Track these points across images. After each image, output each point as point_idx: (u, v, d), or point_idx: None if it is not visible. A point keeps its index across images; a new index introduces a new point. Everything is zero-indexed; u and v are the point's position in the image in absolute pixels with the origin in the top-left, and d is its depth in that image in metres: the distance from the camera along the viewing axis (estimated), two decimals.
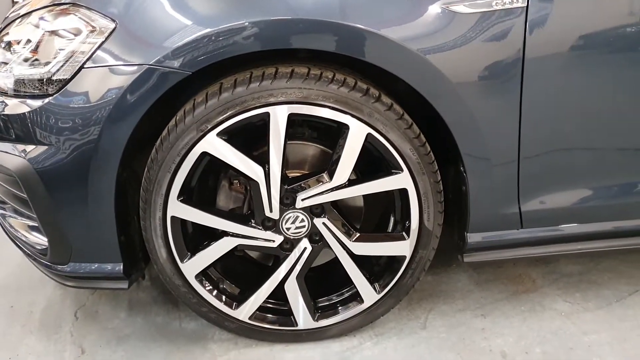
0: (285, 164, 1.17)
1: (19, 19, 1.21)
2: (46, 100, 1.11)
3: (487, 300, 1.49)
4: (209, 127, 1.10)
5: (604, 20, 1.11)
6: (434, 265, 1.37)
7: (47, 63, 1.12)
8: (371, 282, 1.28)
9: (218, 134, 1.11)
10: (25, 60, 1.15)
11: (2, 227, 1.44)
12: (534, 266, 1.62)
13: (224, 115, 1.09)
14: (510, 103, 1.13)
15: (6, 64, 1.19)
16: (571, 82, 1.14)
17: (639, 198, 1.29)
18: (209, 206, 1.24)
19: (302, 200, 1.18)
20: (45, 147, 1.13)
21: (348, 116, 1.11)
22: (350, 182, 1.18)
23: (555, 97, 1.14)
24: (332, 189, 1.17)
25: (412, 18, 1.06)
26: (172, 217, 1.17)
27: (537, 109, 1.14)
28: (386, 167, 1.18)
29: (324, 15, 1.05)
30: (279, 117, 1.10)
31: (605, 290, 1.51)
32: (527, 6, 1.06)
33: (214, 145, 1.11)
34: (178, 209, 1.16)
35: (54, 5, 1.16)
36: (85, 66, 1.08)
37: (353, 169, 1.16)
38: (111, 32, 1.07)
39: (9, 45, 1.22)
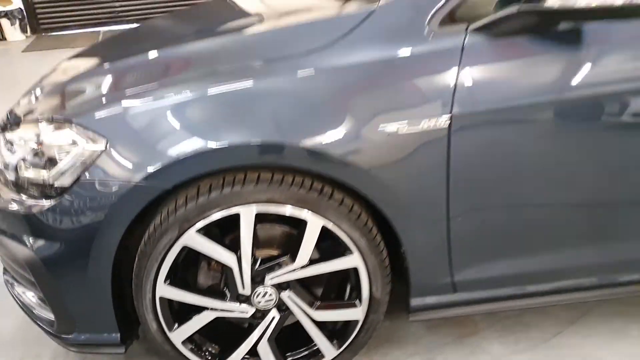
0: (256, 244, 1.39)
1: (24, 126, 1.41)
2: (48, 202, 1.32)
3: (435, 345, 1.73)
4: (189, 226, 1.31)
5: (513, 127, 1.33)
6: (392, 311, 1.59)
7: (48, 171, 1.32)
8: (331, 340, 1.51)
9: (197, 231, 1.32)
10: (31, 165, 1.36)
11: (10, 292, 1.65)
12: None
13: (202, 216, 1.31)
14: (438, 194, 1.35)
15: (13, 165, 1.39)
16: (489, 175, 1.36)
17: (566, 263, 1.53)
18: (191, 286, 1.46)
19: (270, 279, 1.41)
20: (49, 241, 1.34)
21: (306, 212, 1.33)
22: (311, 262, 1.41)
23: (476, 188, 1.37)
24: (295, 270, 1.40)
25: (354, 138, 1.28)
26: (161, 298, 1.39)
27: (462, 199, 1.36)
28: (340, 249, 1.41)
29: (282, 139, 1.26)
30: (248, 216, 1.32)
31: (534, 332, 1.76)
32: (450, 124, 1.28)
33: (194, 240, 1.33)
34: (165, 291, 1.38)
35: (53, 120, 1.36)
36: (81, 177, 1.29)
37: (316, 247, 1.38)
38: (104, 150, 1.28)
39: (12, 145, 1.42)
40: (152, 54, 1.55)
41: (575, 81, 1.30)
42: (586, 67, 1.29)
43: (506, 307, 1.59)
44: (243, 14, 1.86)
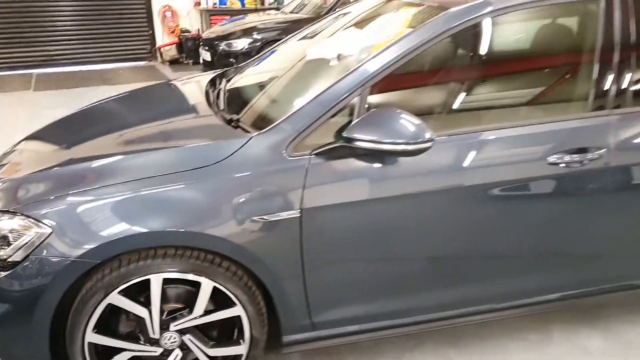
0: (165, 300, 1.88)
1: None
2: (3, 273, 1.77)
3: None
4: (112, 289, 1.79)
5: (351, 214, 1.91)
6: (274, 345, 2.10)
7: (4, 250, 1.77)
8: None
9: (118, 292, 1.80)
10: None
11: None
12: None
13: (122, 281, 1.79)
14: (295, 261, 1.89)
15: None
16: (332, 246, 1.92)
17: (407, 305, 2.10)
18: (113, 333, 1.92)
19: (175, 326, 1.90)
20: (2, 302, 1.79)
21: (201, 277, 1.84)
22: (206, 312, 1.91)
23: (322, 255, 1.92)
24: (193, 319, 1.90)
25: (236, 225, 1.81)
26: (89, 343, 1.84)
27: (312, 264, 1.91)
28: (228, 303, 1.92)
29: (184, 227, 1.78)
30: (157, 281, 1.81)
31: (382, 357, 2.32)
32: (301, 215, 1.84)
33: (116, 299, 1.81)
34: (93, 338, 1.84)
35: (9, 211, 1.81)
36: (31, 255, 1.75)
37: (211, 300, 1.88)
38: (50, 234, 1.74)
39: None
40: (86, 165, 1.99)
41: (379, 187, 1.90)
42: (383, 175, 1.90)
43: (360, 339, 2.14)
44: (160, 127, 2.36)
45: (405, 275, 2.08)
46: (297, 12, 8.26)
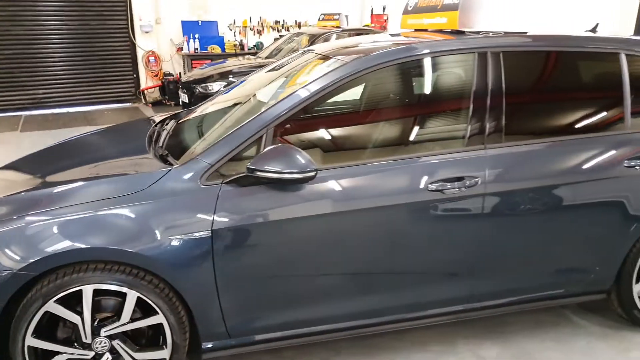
0: (97, 308, 2.18)
1: None
2: None
3: None
4: (49, 298, 2.10)
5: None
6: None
7: None
8: None
9: (55, 301, 2.11)
10: None
11: None
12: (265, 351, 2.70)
13: (58, 292, 2.10)
14: (208, 275, 2.20)
15: None
16: (241, 261, 2.24)
17: (320, 314, 2.40)
18: (51, 337, 2.21)
19: (105, 332, 2.20)
20: None
21: (126, 288, 2.16)
22: (132, 320, 2.22)
23: (232, 270, 2.23)
24: (121, 325, 2.20)
25: (156, 244, 2.14)
26: (28, 346, 2.14)
27: (223, 278, 2.22)
28: (151, 311, 2.23)
29: (112, 245, 2.10)
30: (88, 292, 2.12)
31: None
32: (212, 235, 2.17)
33: (53, 307, 2.11)
34: (32, 342, 2.13)
35: None
36: None
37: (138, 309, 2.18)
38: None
39: None
40: (46, 191, 2.34)
41: (280, 211, 2.23)
42: (282, 201, 2.23)
43: (277, 346, 2.43)
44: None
45: (312, 287, 2.39)
46: (272, 57, 8.76)
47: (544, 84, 2.70)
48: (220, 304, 2.27)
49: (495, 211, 2.44)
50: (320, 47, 3.00)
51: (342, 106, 2.67)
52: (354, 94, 2.59)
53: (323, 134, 2.52)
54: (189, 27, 10.58)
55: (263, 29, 11.47)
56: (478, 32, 2.67)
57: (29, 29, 9.35)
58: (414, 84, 2.65)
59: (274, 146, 2.18)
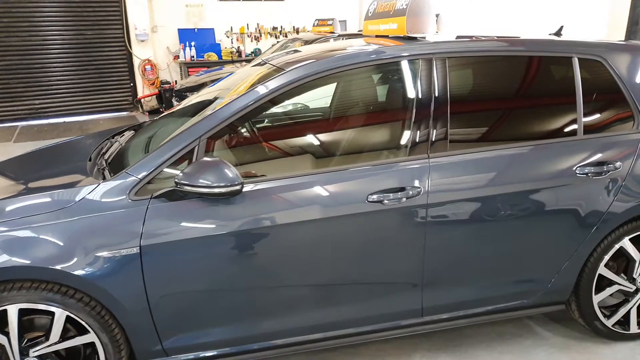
0: (27, 328, 2.15)
1: None
2: None
3: None
4: None
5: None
6: None
7: None
8: None
9: None
10: None
11: None
12: None
13: None
14: (139, 293, 2.15)
15: None
16: (173, 278, 2.19)
17: (255, 331, 2.35)
18: None
19: (34, 352, 2.16)
20: None
21: (54, 307, 2.12)
22: (62, 339, 2.18)
23: (165, 287, 2.17)
24: (50, 345, 2.16)
25: (85, 262, 2.10)
26: None
27: (155, 296, 2.17)
28: (82, 330, 2.19)
29: (38, 264, 2.06)
30: (12, 312, 2.09)
31: None
32: (140, 250, 2.12)
33: None
34: None
35: None
36: None
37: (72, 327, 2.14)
38: None
39: None
40: None
41: (208, 225, 2.18)
42: (211, 215, 2.18)
43: None
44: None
45: (250, 303, 2.33)
46: None
47: (493, 90, 2.63)
48: (154, 321, 2.22)
49: (440, 222, 2.36)
50: (271, 57, 2.96)
51: (280, 117, 2.61)
52: (293, 104, 2.54)
53: (259, 145, 2.47)
54: (185, 35, 10.62)
55: (261, 36, 11.47)
56: (424, 38, 2.60)
57: (25, 40, 9.43)
58: (353, 92, 2.58)
59: (201, 160, 2.13)
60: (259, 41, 11.43)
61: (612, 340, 2.81)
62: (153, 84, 10.32)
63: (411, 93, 2.42)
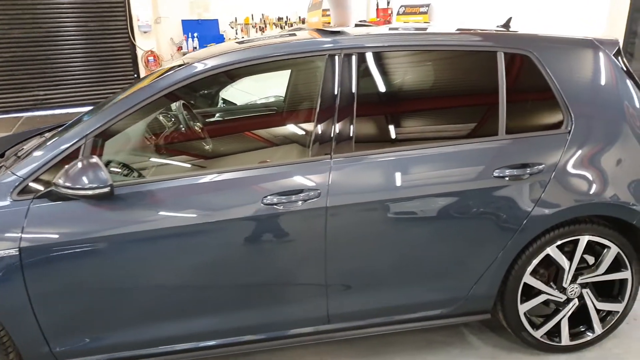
0: None
1: None
2: None
3: None
4: None
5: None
6: None
7: None
8: None
9: None
10: None
11: None
12: None
13: None
14: (21, 296, 2.10)
15: None
16: (56, 281, 2.12)
17: (147, 336, 2.28)
18: None
19: None
20: None
21: None
22: None
23: (48, 289, 2.11)
24: None
25: None
26: None
27: (39, 299, 2.12)
28: None
29: None
30: None
31: None
32: (20, 253, 2.08)
33: None
34: None
35: None
36: None
37: None
38: None
39: None
40: None
41: (86, 228, 2.11)
42: (88, 217, 2.11)
43: None
44: None
45: (139, 306, 2.25)
46: None
47: (407, 87, 2.49)
48: (40, 324, 2.18)
49: (341, 227, 2.25)
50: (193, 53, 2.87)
51: (174, 116, 2.53)
52: (185, 102, 2.45)
53: (149, 145, 2.39)
54: (189, 26, 10.61)
55: (266, 26, 11.37)
56: (339, 32, 2.47)
57: (28, 31, 9.56)
58: (257, 90, 2.48)
59: (75, 160, 2.07)
60: (263, 32, 11.34)
61: (542, 352, 2.66)
62: None
63: (314, 90, 2.31)
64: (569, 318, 2.59)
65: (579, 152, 2.39)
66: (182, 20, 10.58)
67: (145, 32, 10.23)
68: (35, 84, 9.81)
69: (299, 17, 11.57)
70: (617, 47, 2.56)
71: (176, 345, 2.34)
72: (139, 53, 10.37)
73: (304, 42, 2.35)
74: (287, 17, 11.44)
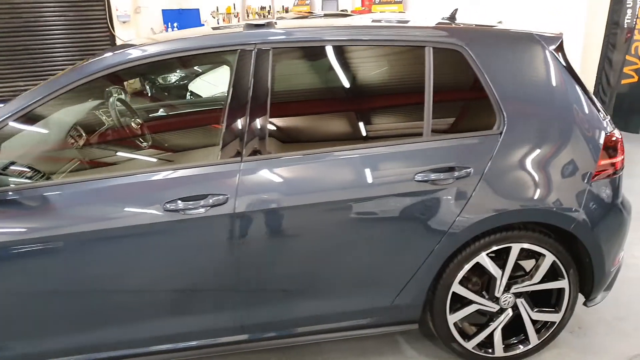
0: None
1: None
2: None
3: None
4: None
5: None
6: None
7: None
8: None
9: None
10: None
11: None
12: None
13: None
14: None
15: None
16: None
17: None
18: None
19: None
20: None
21: None
22: None
23: None
24: None
25: None
26: None
27: None
28: None
29: None
30: None
31: None
32: None
33: None
34: None
35: None
36: None
37: None
38: None
39: None
40: None
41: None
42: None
43: None
44: None
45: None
46: None
47: (327, 85, 2.34)
48: None
49: (251, 234, 2.11)
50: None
51: (101, 111, 2.39)
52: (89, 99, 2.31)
53: (67, 144, 2.26)
54: (169, 16, 10.44)
55: (248, 16, 11.17)
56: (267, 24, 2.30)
57: (7, 22, 9.42)
58: (171, 87, 2.33)
59: None
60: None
61: None
62: None
63: (225, 88, 2.16)
64: (504, 329, 2.45)
65: (512, 154, 2.24)
66: (163, 10, 10.39)
67: (124, 22, 10.06)
68: (15, 75, 9.66)
69: (282, 6, 11.36)
70: (559, 42, 2.41)
71: (79, 357, 2.21)
72: (119, 43, 10.19)
73: (215, 36, 2.20)
74: (269, 6, 11.24)
